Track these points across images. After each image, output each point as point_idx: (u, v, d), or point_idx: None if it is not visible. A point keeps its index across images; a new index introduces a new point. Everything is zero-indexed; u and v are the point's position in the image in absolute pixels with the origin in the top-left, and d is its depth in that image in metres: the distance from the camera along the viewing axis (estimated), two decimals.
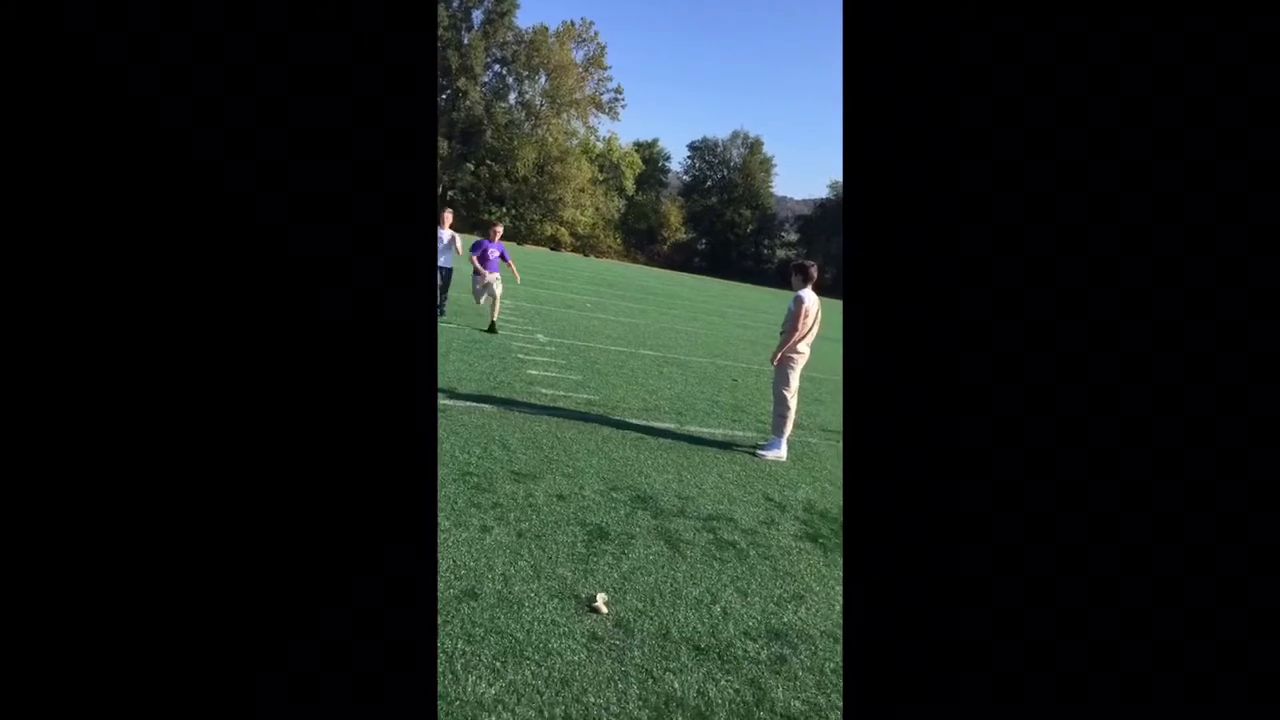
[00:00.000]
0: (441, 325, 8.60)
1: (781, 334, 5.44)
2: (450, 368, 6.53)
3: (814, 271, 5.40)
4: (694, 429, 5.78)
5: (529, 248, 43.87)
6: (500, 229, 9.38)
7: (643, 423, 5.71)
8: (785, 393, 5.32)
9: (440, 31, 48.13)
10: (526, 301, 13.07)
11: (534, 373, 6.92)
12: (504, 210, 49.05)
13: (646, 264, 53.03)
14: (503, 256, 9.08)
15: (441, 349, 7.29)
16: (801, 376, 5.67)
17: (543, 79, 52.21)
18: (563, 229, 50.91)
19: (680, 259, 57.66)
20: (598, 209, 53.59)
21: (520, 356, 7.62)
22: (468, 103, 50.03)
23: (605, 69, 54.30)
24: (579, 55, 52.97)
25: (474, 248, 9.04)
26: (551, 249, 47.95)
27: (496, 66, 52.25)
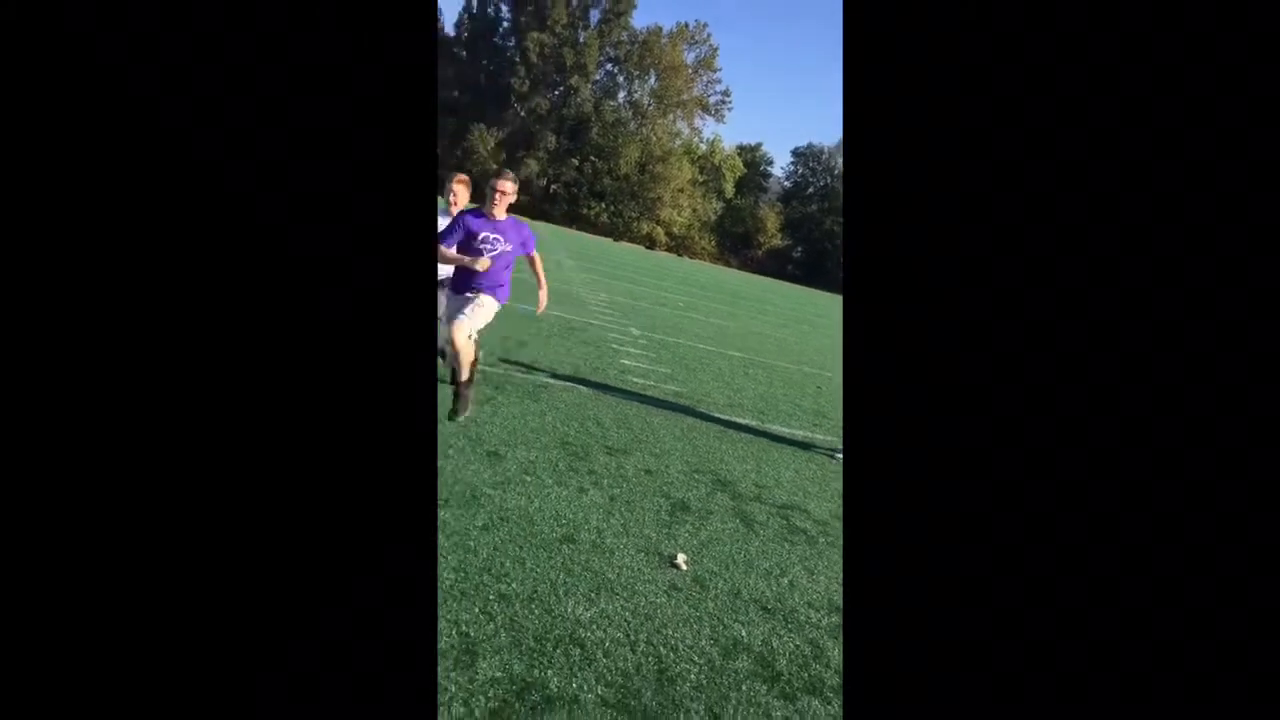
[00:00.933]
0: (538, 315, 8.84)
1: None
2: (550, 351, 6.83)
3: None
4: (775, 427, 5.87)
5: (624, 244, 43.82)
6: (504, 184, 4.06)
7: (726, 417, 5.82)
8: None
9: (558, 29, 48.12)
10: (622, 296, 13.38)
11: (626, 362, 7.13)
12: (603, 206, 49.38)
13: (740, 268, 52.70)
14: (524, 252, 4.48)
15: (541, 333, 7.62)
16: None
17: (652, 79, 52.25)
18: (659, 228, 50.99)
19: (774, 266, 56.96)
20: (695, 210, 53.57)
21: (614, 347, 7.87)
22: (578, 99, 50.22)
23: (715, 71, 54.22)
24: (690, 57, 52.94)
25: (452, 227, 4.07)
26: (646, 247, 48.00)
27: (609, 65, 52.45)
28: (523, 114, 49.83)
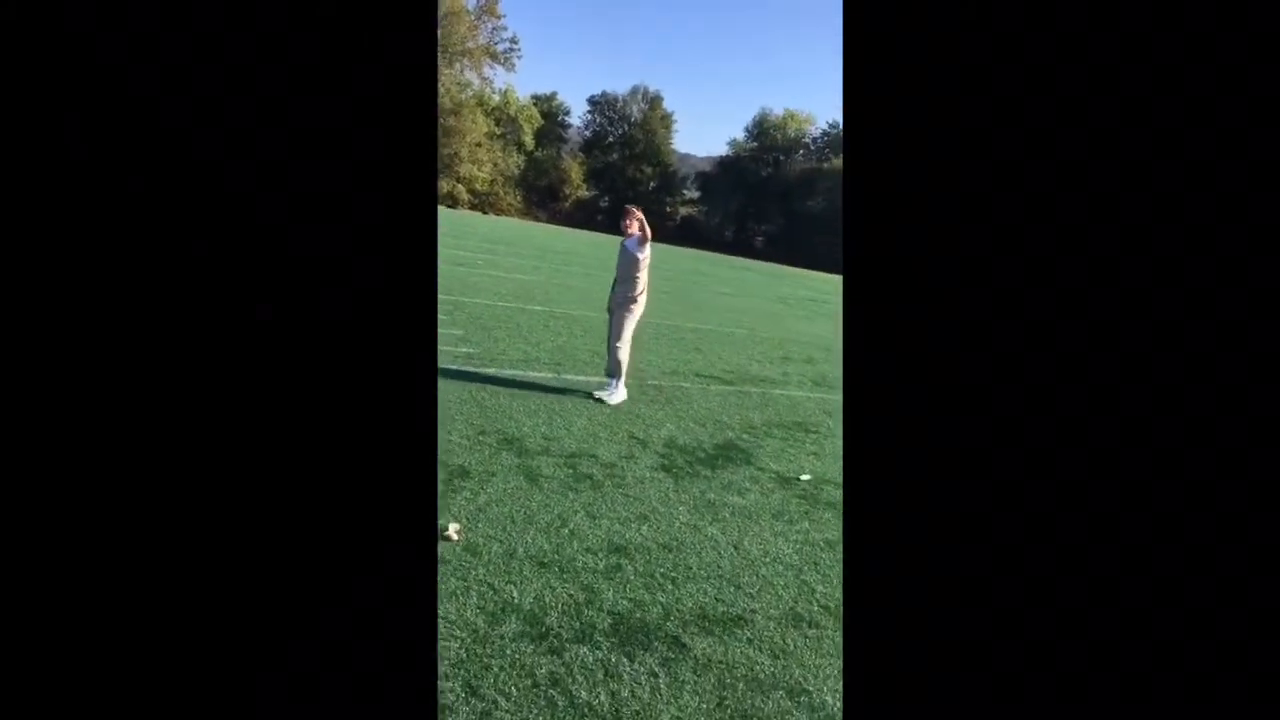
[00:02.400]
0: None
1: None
2: None
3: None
4: (571, 377, 5.99)
5: None
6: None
7: (520, 373, 5.93)
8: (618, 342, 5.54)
9: None
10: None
11: None
12: None
13: (549, 222, 51.93)
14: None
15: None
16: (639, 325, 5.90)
17: None
18: (459, 185, 49.21)
19: (582, 216, 56.26)
20: (495, 165, 51.71)
21: None
22: None
23: (499, 17, 51.94)
24: (471, 3, 50.44)
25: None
26: (449, 206, 46.45)
27: None
28: None
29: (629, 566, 2.92)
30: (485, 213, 48.16)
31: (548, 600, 2.56)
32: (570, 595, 2.62)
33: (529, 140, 55.44)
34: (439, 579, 2.57)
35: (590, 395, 5.47)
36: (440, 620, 2.32)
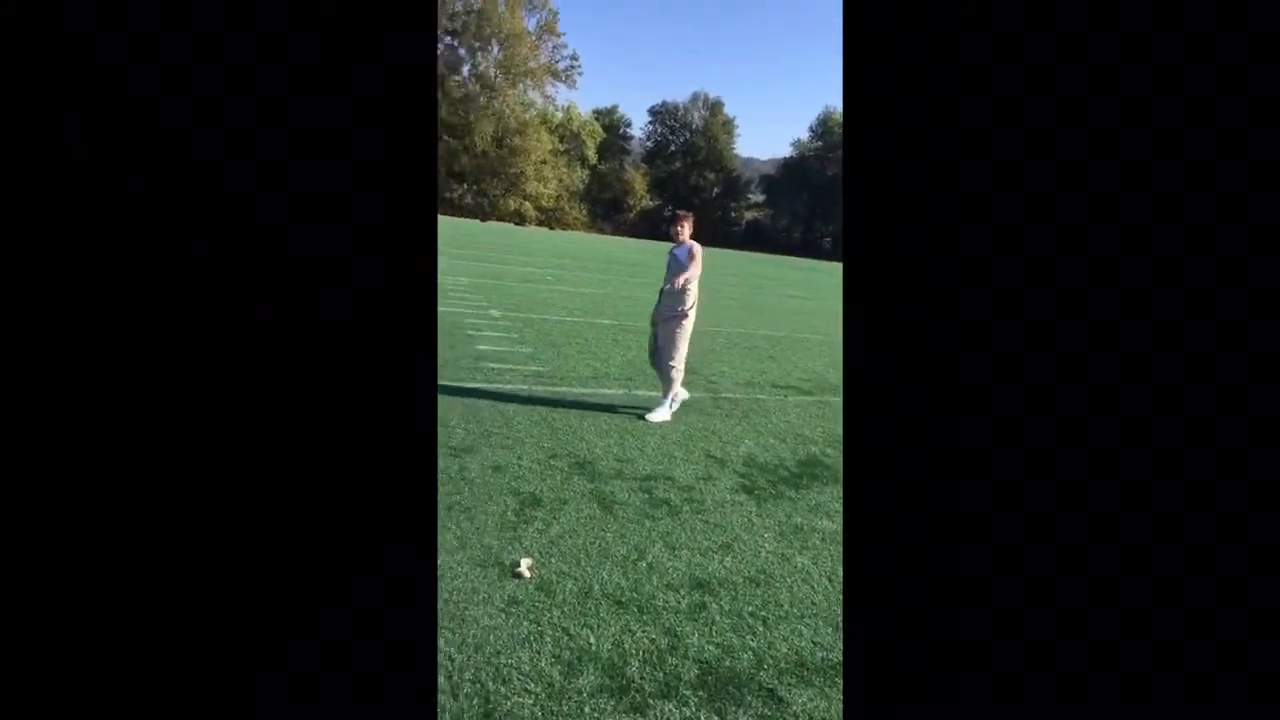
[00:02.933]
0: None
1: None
2: None
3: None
4: (642, 393, 5.81)
5: (493, 224, 43.58)
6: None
7: (590, 391, 5.72)
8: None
9: None
10: (485, 278, 13.09)
11: (483, 348, 6.89)
12: (465, 186, 48.44)
13: (614, 234, 52.37)
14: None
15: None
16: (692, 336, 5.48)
17: (496, 49, 51.02)
18: (526, 203, 50.18)
19: (647, 227, 56.50)
20: (560, 181, 52.65)
21: (470, 333, 7.59)
22: None
23: (559, 36, 53.10)
24: (531, 23, 51.64)
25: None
26: (516, 224, 47.34)
27: (448, 39, 50.82)
28: None
29: (714, 605, 2.67)
30: (551, 228, 48.55)
31: (627, 646, 2.34)
32: (652, 640, 2.39)
33: (592, 154, 55.97)
34: (511, 623, 2.39)
35: (642, 416, 5.15)
36: (513, 671, 2.15)
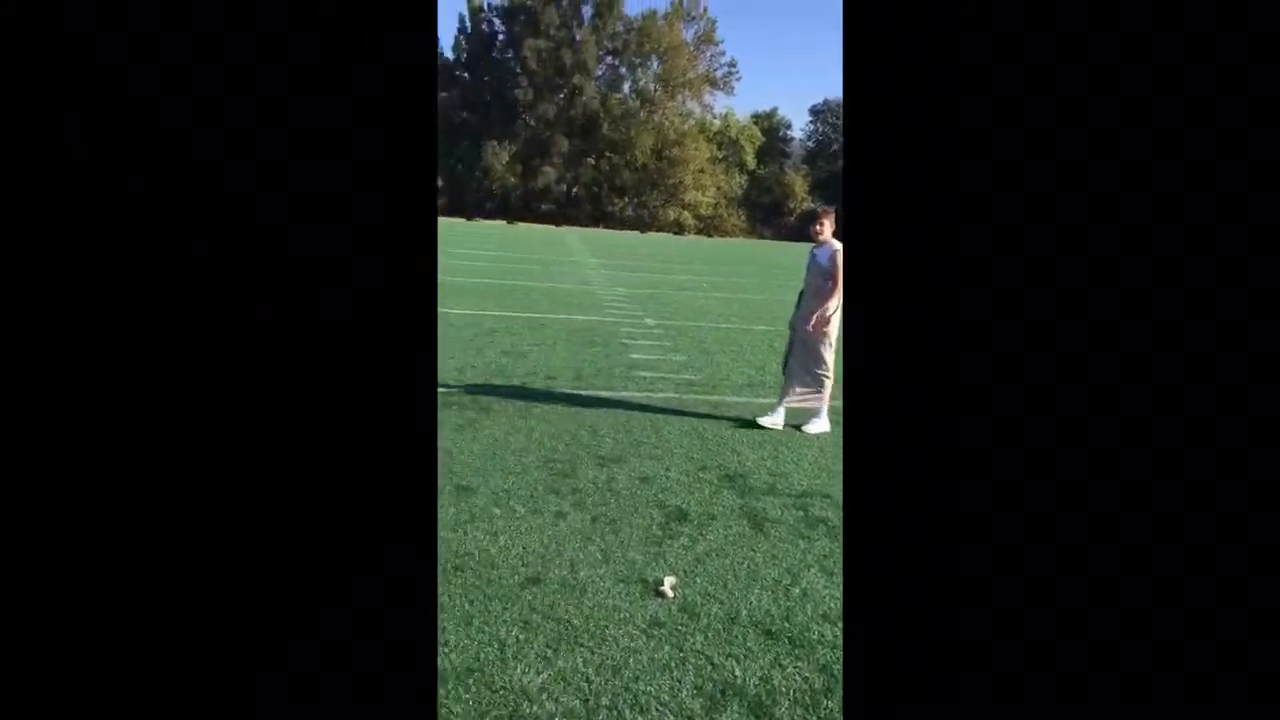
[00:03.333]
0: (545, 317, 8.32)
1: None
2: (553, 358, 6.50)
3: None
4: (797, 404, 5.38)
5: (652, 235, 43.39)
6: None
7: (744, 399, 5.47)
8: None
9: (552, 32, 47.48)
10: (642, 288, 13.00)
11: (636, 357, 6.85)
12: (626, 200, 48.76)
13: (774, 238, 51.59)
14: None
15: (545, 340, 7.39)
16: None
17: (655, 64, 51.28)
18: (685, 212, 50.24)
19: (808, 229, 55.58)
20: (719, 188, 52.56)
21: (625, 342, 7.60)
22: (584, 99, 49.59)
23: (717, 44, 53.11)
24: (689, 34, 51.80)
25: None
26: (675, 233, 47.38)
27: (609, 58, 51.60)
28: (531, 123, 49.32)
29: None
30: (710, 236, 48.59)
31: (776, 683, 2.12)
32: (804, 678, 2.16)
33: (750, 159, 55.79)
34: (652, 644, 2.28)
35: (799, 427, 4.83)
36: (651, 700, 2.02)
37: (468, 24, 51.20)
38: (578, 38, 49.79)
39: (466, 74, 51.13)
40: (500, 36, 51.40)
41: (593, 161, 49.40)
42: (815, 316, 4.71)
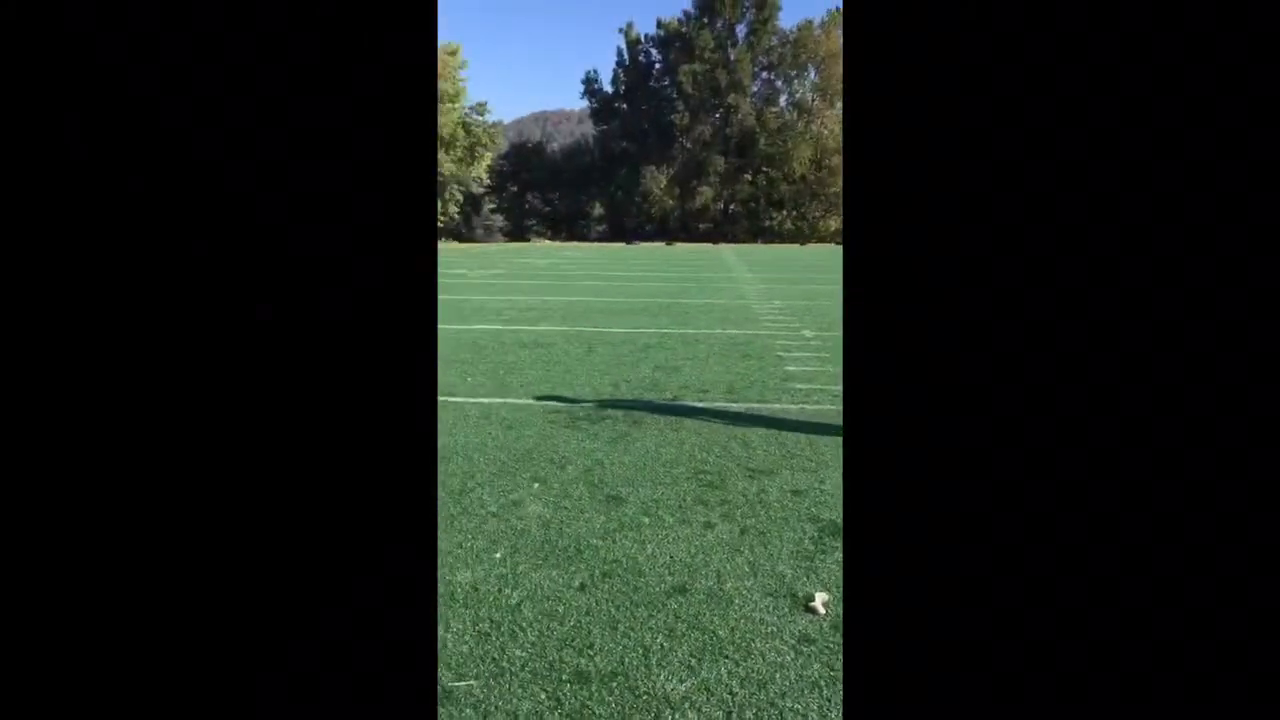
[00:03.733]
0: (699, 332, 8.47)
1: None
2: (707, 371, 6.47)
3: None
4: None
5: (812, 247, 43.17)
6: None
7: None
8: None
9: (707, 55, 47.65)
10: (800, 300, 12.70)
11: (791, 369, 6.75)
12: (785, 213, 48.53)
13: None
14: None
15: (699, 355, 7.34)
16: None
17: (812, 73, 50.75)
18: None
19: None
20: None
21: (780, 354, 7.49)
22: (739, 116, 49.46)
23: None
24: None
25: None
26: (838, 244, 46.74)
27: (765, 74, 51.43)
28: (688, 145, 49.34)
29: None
30: None
31: None
32: None
33: None
34: (800, 661, 2.21)
35: None
36: (799, 718, 1.96)
37: (625, 56, 51.47)
38: (732, 57, 49.65)
39: (625, 105, 51.59)
40: (657, 65, 51.62)
41: (749, 177, 49.14)
42: None
